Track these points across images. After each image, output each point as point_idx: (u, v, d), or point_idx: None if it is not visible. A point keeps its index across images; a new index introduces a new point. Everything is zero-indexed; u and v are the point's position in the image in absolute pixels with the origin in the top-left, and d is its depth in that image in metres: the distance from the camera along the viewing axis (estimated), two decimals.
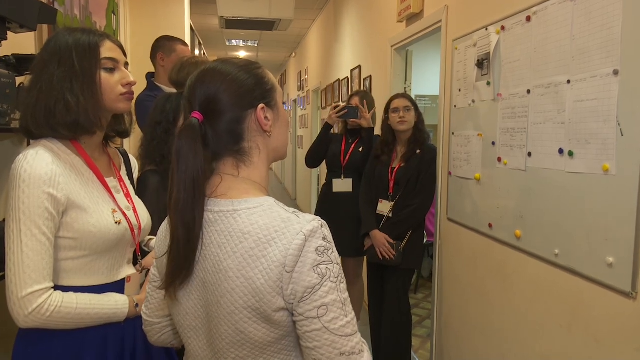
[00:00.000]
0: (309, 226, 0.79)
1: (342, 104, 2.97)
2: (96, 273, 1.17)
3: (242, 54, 10.08)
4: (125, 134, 1.33)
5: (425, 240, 3.53)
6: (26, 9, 1.52)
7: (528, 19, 1.73)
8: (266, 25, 5.75)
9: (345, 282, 0.83)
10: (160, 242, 0.96)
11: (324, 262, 0.79)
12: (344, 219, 2.89)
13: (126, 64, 1.23)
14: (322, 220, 0.83)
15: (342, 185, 2.96)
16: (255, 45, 8.97)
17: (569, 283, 1.54)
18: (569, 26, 1.52)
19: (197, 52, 6.04)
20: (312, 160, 3.11)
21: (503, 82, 1.91)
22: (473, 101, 2.16)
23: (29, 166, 1.04)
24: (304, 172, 7.87)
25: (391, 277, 2.61)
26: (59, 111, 1.10)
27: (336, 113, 2.90)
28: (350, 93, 4.52)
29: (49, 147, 1.11)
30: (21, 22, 1.51)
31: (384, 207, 2.62)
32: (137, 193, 1.42)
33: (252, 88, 0.87)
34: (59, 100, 1.10)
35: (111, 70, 1.17)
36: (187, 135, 0.81)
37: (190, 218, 0.81)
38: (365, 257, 2.83)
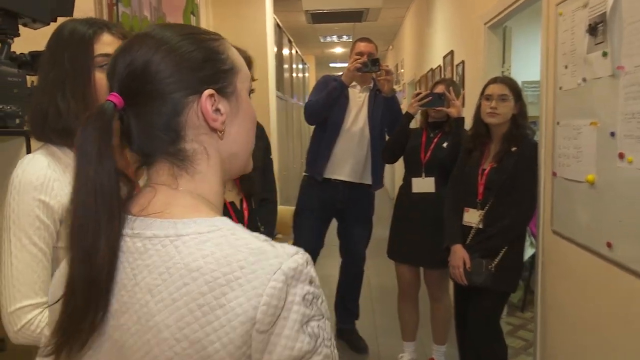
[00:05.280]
0: (290, 262, 0.56)
1: (424, 92, 2.57)
2: None
3: (338, 51, 9.89)
4: None
5: (531, 248, 2.98)
6: (39, 2, 1.41)
7: None
8: (354, 16, 5.47)
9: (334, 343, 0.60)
10: (56, 287, 0.68)
11: (314, 317, 0.56)
12: (425, 223, 2.48)
13: None
14: (307, 254, 0.59)
15: (423, 185, 2.54)
16: (350, 39, 8.72)
17: None
18: None
19: (286, 51, 5.94)
20: (389, 154, 2.74)
21: (626, 50, 1.40)
22: (584, 80, 1.65)
23: (21, 171, 0.99)
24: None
25: (478, 299, 2.15)
26: (50, 117, 1.01)
27: (418, 101, 2.49)
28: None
29: (51, 151, 1.04)
30: (33, 15, 1.41)
31: (472, 216, 2.17)
32: None
33: (199, 65, 0.62)
34: (51, 105, 1.01)
35: None
36: (94, 126, 0.58)
37: (89, 245, 0.56)
38: None
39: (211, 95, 0.62)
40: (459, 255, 2.14)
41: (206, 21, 4.07)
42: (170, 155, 0.62)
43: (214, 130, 0.63)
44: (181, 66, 0.60)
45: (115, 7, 2.48)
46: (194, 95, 0.61)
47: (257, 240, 0.58)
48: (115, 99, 0.59)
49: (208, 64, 0.62)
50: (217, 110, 0.62)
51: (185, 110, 0.61)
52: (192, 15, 3.74)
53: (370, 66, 2.60)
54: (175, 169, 0.62)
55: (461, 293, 2.32)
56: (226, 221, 0.60)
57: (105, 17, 2.29)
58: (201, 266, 0.55)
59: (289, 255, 0.56)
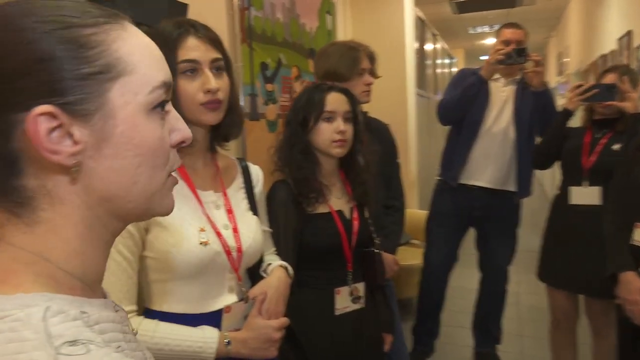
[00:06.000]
0: None
1: (588, 83, 2.11)
2: (185, 300, 1.03)
3: (489, 42, 9.15)
4: (227, 137, 1.13)
5: None
6: (152, 10, 1.43)
7: None
8: (505, 1, 4.92)
9: None
10: None
11: None
12: (587, 242, 2.04)
13: (215, 61, 1.02)
14: None
15: (584, 195, 2.10)
16: None
17: None
18: None
19: (430, 45, 5.61)
20: (542, 158, 2.32)
21: None
22: None
23: None
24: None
25: None
26: None
27: (580, 94, 2.06)
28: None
29: None
30: (146, 22, 1.44)
31: None
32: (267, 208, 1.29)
33: (35, 64, 0.42)
34: None
35: (191, 75, 1.01)
36: None
37: None
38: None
39: (46, 115, 0.42)
40: (634, 286, 1.67)
41: (343, 20, 4.01)
42: (1, 194, 0.44)
43: (58, 165, 0.43)
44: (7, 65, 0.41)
45: (247, 11, 2.51)
46: (22, 113, 0.42)
47: (45, 349, 0.37)
48: None
49: (52, 64, 0.42)
50: (70, 135, 0.43)
51: (14, 133, 0.42)
52: (327, 15, 3.69)
53: (515, 57, 2.22)
54: (7, 214, 0.45)
55: (632, 329, 1.84)
56: (32, 302, 0.40)
57: (237, 21, 2.31)
58: None
59: None
